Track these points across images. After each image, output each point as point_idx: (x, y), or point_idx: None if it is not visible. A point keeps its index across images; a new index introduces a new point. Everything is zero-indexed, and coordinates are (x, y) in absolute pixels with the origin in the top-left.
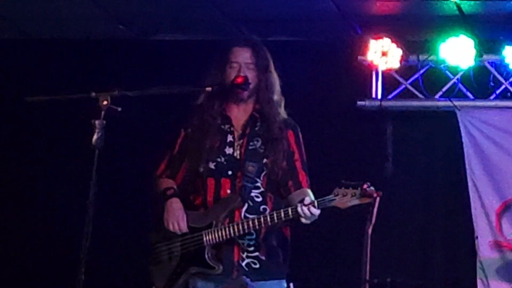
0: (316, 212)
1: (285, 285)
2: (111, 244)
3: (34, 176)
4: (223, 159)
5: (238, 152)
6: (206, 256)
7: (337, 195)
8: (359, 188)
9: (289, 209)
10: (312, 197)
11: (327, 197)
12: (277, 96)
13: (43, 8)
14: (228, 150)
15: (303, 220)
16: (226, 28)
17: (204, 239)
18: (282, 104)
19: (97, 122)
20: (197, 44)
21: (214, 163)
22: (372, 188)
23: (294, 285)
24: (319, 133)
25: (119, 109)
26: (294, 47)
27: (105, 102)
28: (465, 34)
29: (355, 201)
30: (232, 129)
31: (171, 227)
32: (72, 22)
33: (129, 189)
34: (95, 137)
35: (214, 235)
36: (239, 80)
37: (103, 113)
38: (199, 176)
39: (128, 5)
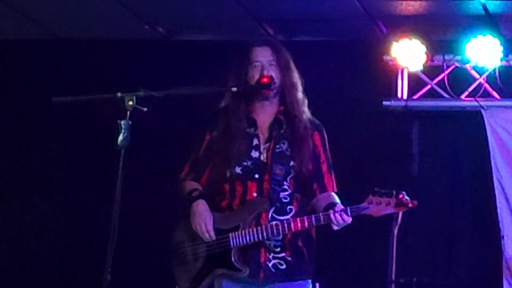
0: (348, 220)
1: (311, 285)
2: (136, 244)
3: (60, 177)
4: (249, 163)
5: (264, 155)
6: (233, 258)
7: (371, 203)
8: (393, 197)
9: (321, 215)
10: (338, 201)
11: (361, 205)
12: (300, 94)
13: (69, 8)
14: (254, 154)
15: (334, 227)
16: (252, 29)
17: (231, 241)
18: (306, 103)
19: (122, 122)
20: (222, 44)
21: (241, 168)
22: (407, 198)
23: (319, 285)
24: (344, 133)
25: (145, 109)
26: (319, 47)
27: (130, 103)
28: (491, 33)
29: (389, 210)
30: (257, 132)
31: (198, 229)
32: (98, 22)
33: (154, 189)
34: (120, 137)
35: (241, 237)
36: (265, 80)
37: (128, 113)
38: (225, 180)
39: (154, 6)
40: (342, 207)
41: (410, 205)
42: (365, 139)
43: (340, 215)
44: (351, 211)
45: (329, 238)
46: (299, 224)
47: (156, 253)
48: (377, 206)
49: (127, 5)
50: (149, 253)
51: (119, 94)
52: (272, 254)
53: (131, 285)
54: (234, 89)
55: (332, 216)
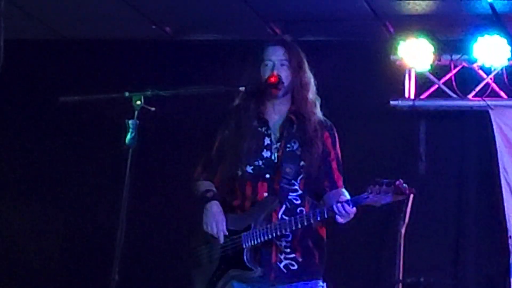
0: (351, 210)
1: (322, 284)
2: (144, 244)
3: (68, 176)
4: (260, 162)
5: (275, 155)
6: (245, 258)
7: (371, 192)
8: (392, 186)
9: (324, 208)
10: (348, 197)
11: (361, 195)
12: (312, 95)
13: (76, 8)
14: (266, 153)
15: (339, 219)
16: (259, 28)
17: (243, 241)
18: (318, 104)
19: (130, 122)
20: (230, 44)
21: (252, 167)
22: (405, 185)
23: (326, 285)
24: (352, 133)
25: (153, 109)
26: (327, 47)
27: (138, 102)
28: (498, 33)
29: (388, 199)
30: (269, 131)
31: (211, 230)
32: (105, 22)
33: (161, 189)
34: (128, 136)
35: (253, 237)
36: (273, 79)
37: (136, 113)
38: (237, 180)
39: (161, 5)
40: (345, 199)
41: (407, 192)
42: (373, 138)
43: (343, 206)
44: (352, 201)
45: (336, 237)
46: (305, 219)
47: (164, 254)
48: (377, 196)
49: (134, 5)
50: (157, 254)
51: (127, 94)
52: (283, 255)
53: (139, 285)
54: (242, 88)
55: (334, 207)
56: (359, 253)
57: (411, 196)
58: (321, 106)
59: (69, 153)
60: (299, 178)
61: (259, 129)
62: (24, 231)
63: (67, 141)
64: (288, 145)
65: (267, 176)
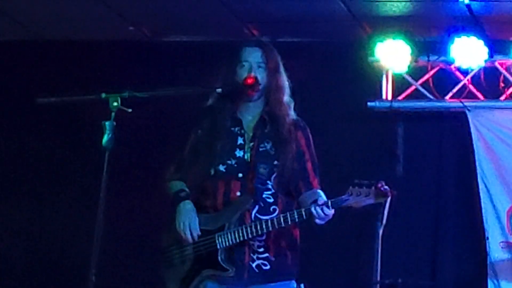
0: (330, 212)
1: (295, 285)
2: (121, 245)
3: (44, 177)
4: (233, 161)
5: (248, 154)
6: (219, 258)
7: (351, 194)
8: (373, 187)
9: (303, 210)
10: (324, 198)
11: (341, 197)
12: (287, 97)
13: (53, 9)
14: (239, 153)
15: (317, 221)
16: (236, 29)
17: (217, 241)
18: (292, 106)
19: (107, 123)
20: (207, 45)
21: (225, 166)
22: (386, 187)
23: (304, 286)
24: (329, 134)
25: (129, 110)
26: (304, 48)
27: (115, 104)
28: (475, 34)
29: (370, 201)
30: (242, 131)
31: (184, 230)
32: (82, 23)
33: (139, 190)
34: (105, 138)
35: (227, 237)
36: (250, 81)
37: (113, 114)
38: (209, 179)
39: (139, 7)
40: (324, 200)
41: (389, 194)
42: (350, 139)
43: (321, 209)
44: (332, 203)
45: (314, 239)
46: (282, 220)
47: (141, 254)
48: (357, 197)
49: (112, 7)
50: (134, 254)
51: (103, 95)
52: (256, 255)
53: (116, 286)
54: (219, 90)
55: (313, 210)
56: (337, 254)
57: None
58: (299, 107)
59: (46, 155)
60: (272, 177)
61: (232, 129)
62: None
63: (43, 143)
64: (261, 145)
65: (240, 175)
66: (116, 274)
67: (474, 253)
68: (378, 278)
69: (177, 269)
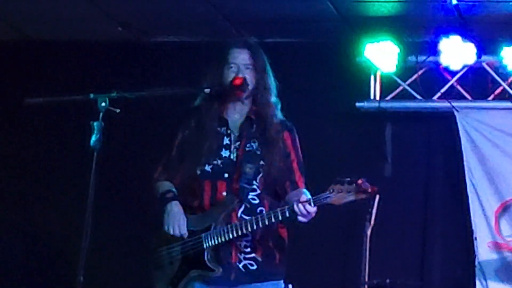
0: (312, 209)
1: (283, 285)
2: (109, 246)
3: (32, 178)
4: (219, 161)
5: (234, 154)
6: (206, 258)
7: (333, 191)
8: (354, 184)
9: (285, 208)
10: (309, 197)
11: (322, 194)
12: (274, 98)
13: (42, 9)
14: (225, 153)
15: (300, 218)
16: (224, 30)
17: (204, 241)
18: (279, 106)
19: (95, 123)
20: (195, 45)
21: (211, 166)
22: (367, 183)
23: (292, 287)
24: (318, 135)
25: (118, 111)
26: (292, 49)
27: (103, 104)
28: (463, 35)
29: (351, 197)
30: (228, 131)
31: (171, 231)
32: (71, 23)
33: (127, 191)
34: (93, 138)
35: (213, 237)
36: (238, 81)
37: (101, 114)
38: (196, 179)
39: (127, 7)
40: (306, 198)
41: (369, 191)
42: (338, 140)
43: (303, 206)
44: (313, 201)
45: (302, 239)
46: (265, 218)
47: (129, 255)
48: (339, 194)
49: (100, 7)
50: (123, 255)
51: (91, 96)
52: (243, 255)
53: (104, 286)
54: (207, 90)
55: (295, 207)
56: (325, 254)
57: (377, 197)
58: (287, 108)
59: (34, 155)
60: (258, 178)
61: (218, 129)
62: None
63: (31, 143)
64: (248, 145)
65: (226, 175)
66: (105, 275)
67: (462, 253)
68: (366, 279)
69: (166, 270)
